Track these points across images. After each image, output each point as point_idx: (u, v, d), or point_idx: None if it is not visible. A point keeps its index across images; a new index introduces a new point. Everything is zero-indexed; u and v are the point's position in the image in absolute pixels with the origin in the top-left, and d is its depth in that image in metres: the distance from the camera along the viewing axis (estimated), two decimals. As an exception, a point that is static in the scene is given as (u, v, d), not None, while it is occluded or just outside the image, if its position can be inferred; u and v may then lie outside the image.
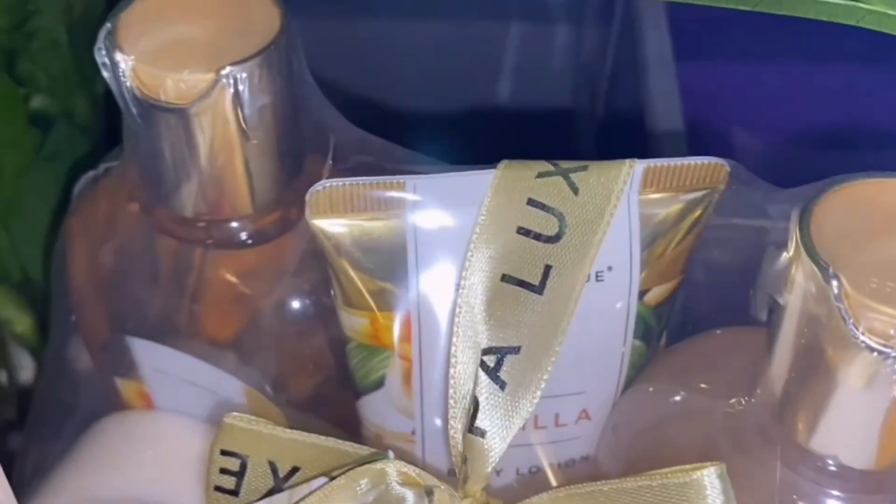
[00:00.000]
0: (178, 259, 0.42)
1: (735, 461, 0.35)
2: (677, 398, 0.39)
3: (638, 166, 0.37)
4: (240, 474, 0.37)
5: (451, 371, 0.36)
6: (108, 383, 0.47)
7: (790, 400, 0.34)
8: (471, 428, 0.35)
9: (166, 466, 0.44)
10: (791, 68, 0.62)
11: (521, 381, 0.35)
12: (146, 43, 0.38)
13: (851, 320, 0.31)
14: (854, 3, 0.33)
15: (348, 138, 0.42)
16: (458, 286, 0.36)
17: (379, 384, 0.40)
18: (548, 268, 0.36)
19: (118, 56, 0.38)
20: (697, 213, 0.38)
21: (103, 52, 0.38)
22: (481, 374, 0.35)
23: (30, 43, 0.51)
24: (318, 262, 0.39)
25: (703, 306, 0.41)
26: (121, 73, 0.38)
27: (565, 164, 0.37)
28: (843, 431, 0.34)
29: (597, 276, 0.38)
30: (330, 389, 0.44)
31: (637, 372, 0.40)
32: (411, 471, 0.34)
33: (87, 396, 0.49)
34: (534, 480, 0.41)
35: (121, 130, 0.42)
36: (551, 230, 0.36)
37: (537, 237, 0.36)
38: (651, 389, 0.40)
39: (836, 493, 0.35)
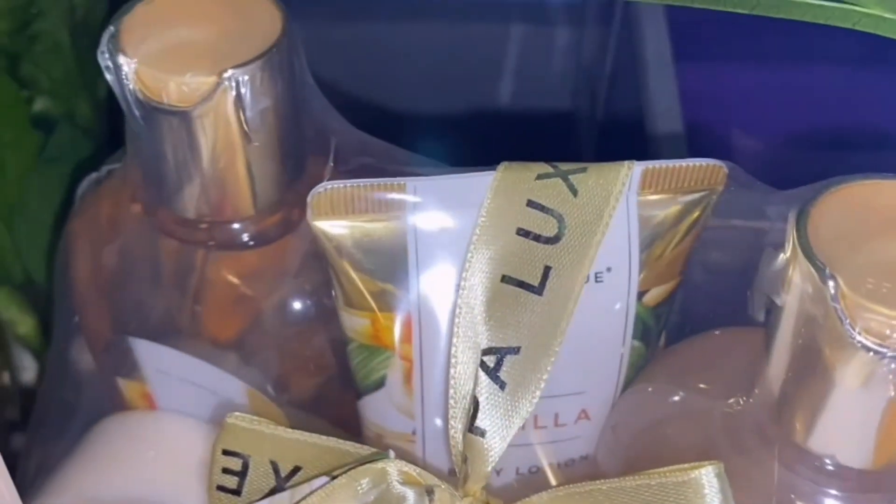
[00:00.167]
0: (180, 260, 0.43)
1: (733, 461, 0.35)
2: (676, 398, 0.39)
3: (636, 168, 0.37)
4: (242, 474, 0.37)
5: (452, 371, 0.36)
6: (111, 384, 0.47)
7: (788, 400, 0.34)
8: (471, 428, 0.35)
9: (168, 467, 0.44)
10: (789, 70, 0.62)
11: (520, 382, 0.35)
12: (149, 46, 0.39)
13: (848, 320, 0.31)
14: (850, 6, 0.34)
15: (349, 140, 0.42)
16: (458, 287, 0.36)
17: (380, 384, 0.40)
18: (547, 269, 0.36)
19: (121, 59, 0.38)
20: (696, 214, 0.39)
21: (106, 56, 0.39)
22: (481, 374, 0.35)
23: (33, 46, 0.52)
24: (319, 263, 0.40)
25: (702, 307, 0.42)
26: (123, 76, 0.38)
27: (564, 166, 0.37)
28: (841, 431, 0.34)
29: (596, 277, 0.38)
30: (331, 390, 0.44)
31: (636, 372, 0.41)
32: (412, 470, 0.35)
33: (90, 397, 0.49)
34: (534, 480, 0.42)
35: (123, 133, 0.42)
36: (551, 231, 0.36)
37: (537, 238, 0.36)
38: (650, 389, 0.40)
39: (833, 492, 0.35)
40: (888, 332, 0.31)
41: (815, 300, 0.32)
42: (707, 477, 0.32)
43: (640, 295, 0.39)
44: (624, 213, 0.37)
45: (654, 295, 0.39)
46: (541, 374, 0.35)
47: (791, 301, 0.33)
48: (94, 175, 0.45)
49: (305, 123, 0.42)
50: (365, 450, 0.36)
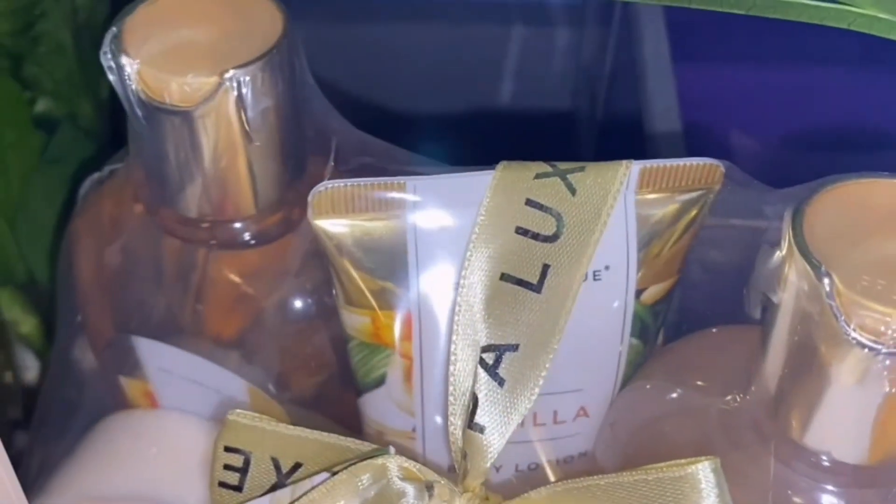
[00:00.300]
0: (182, 259, 0.43)
1: (730, 457, 0.35)
2: (674, 395, 0.39)
3: (634, 167, 0.37)
4: (243, 470, 0.37)
5: (451, 368, 0.36)
6: (113, 382, 0.48)
7: (784, 396, 0.35)
8: (470, 424, 0.35)
9: (170, 464, 0.45)
10: (787, 71, 0.63)
11: (519, 379, 0.36)
12: (151, 47, 0.39)
13: (843, 317, 0.31)
14: (845, 6, 0.34)
15: (350, 140, 0.43)
16: (457, 285, 0.37)
17: (380, 382, 0.40)
18: (546, 267, 0.36)
19: (123, 60, 0.39)
20: (693, 213, 0.39)
21: (109, 56, 0.39)
22: (480, 371, 0.36)
23: (36, 47, 0.52)
24: (319, 262, 0.40)
25: (701, 306, 0.42)
26: (126, 77, 0.39)
27: (563, 166, 0.37)
28: (836, 427, 0.34)
29: (594, 276, 0.38)
30: (332, 388, 0.44)
31: (634, 370, 0.41)
32: (412, 466, 0.35)
33: (92, 396, 0.49)
34: (533, 477, 0.42)
35: (125, 133, 0.43)
36: (549, 230, 0.36)
37: (535, 237, 0.36)
38: (648, 387, 0.40)
39: (829, 487, 0.35)
40: (883, 328, 0.31)
41: (810, 297, 0.32)
42: (703, 472, 0.32)
43: (639, 293, 0.39)
44: (622, 211, 0.38)
45: (652, 293, 0.40)
46: (539, 371, 0.36)
47: (787, 298, 0.33)
48: (96, 175, 0.46)
49: (306, 123, 0.42)
50: (365, 446, 0.36)
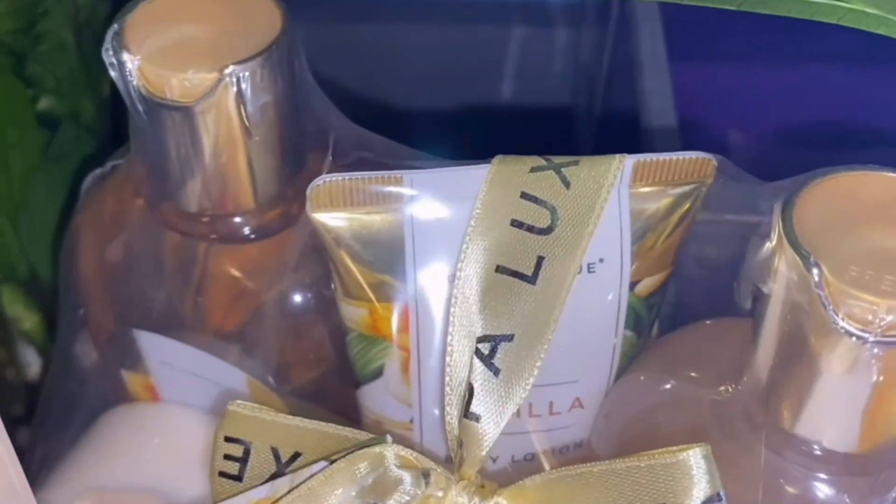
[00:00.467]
0: (182, 253, 0.43)
1: (722, 446, 0.36)
2: (667, 386, 0.40)
3: (628, 161, 0.38)
4: (243, 460, 0.38)
5: (448, 359, 0.37)
6: (115, 376, 0.48)
7: (775, 386, 0.35)
8: (466, 413, 0.36)
9: (171, 456, 0.45)
10: (781, 69, 0.63)
11: (514, 368, 0.36)
12: (152, 44, 0.40)
13: (831, 307, 0.32)
14: (834, 1, 0.35)
15: (348, 135, 0.43)
16: (454, 277, 0.37)
17: (378, 374, 0.41)
18: (540, 259, 0.37)
19: (125, 56, 0.39)
20: (686, 206, 0.39)
21: (110, 53, 0.39)
22: (476, 361, 0.36)
23: (38, 45, 0.52)
24: (318, 255, 0.40)
25: (696, 300, 0.42)
26: (127, 73, 0.39)
27: (557, 159, 0.38)
28: (827, 416, 0.35)
29: (588, 268, 0.39)
30: (330, 380, 0.45)
31: (629, 362, 0.41)
32: (409, 454, 0.35)
33: (94, 391, 0.50)
34: (529, 467, 0.42)
35: (126, 132, 0.43)
36: (544, 223, 0.37)
37: (530, 229, 0.37)
38: (642, 378, 0.41)
39: (820, 476, 0.36)
40: (870, 317, 0.32)
41: (800, 288, 0.33)
42: (695, 458, 0.33)
43: (633, 285, 0.40)
44: (616, 205, 0.38)
45: (646, 285, 0.40)
46: (534, 361, 0.36)
47: (777, 289, 0.34)
48: (98, 171, 0.46)
49: (305, 119, 0.42)
50: (363, 435, 0.37)
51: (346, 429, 0.37)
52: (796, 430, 0.35)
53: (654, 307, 0.41)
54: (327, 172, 0.39)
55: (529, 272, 0.37)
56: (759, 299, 0.35)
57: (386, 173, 0.38)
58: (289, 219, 0.43)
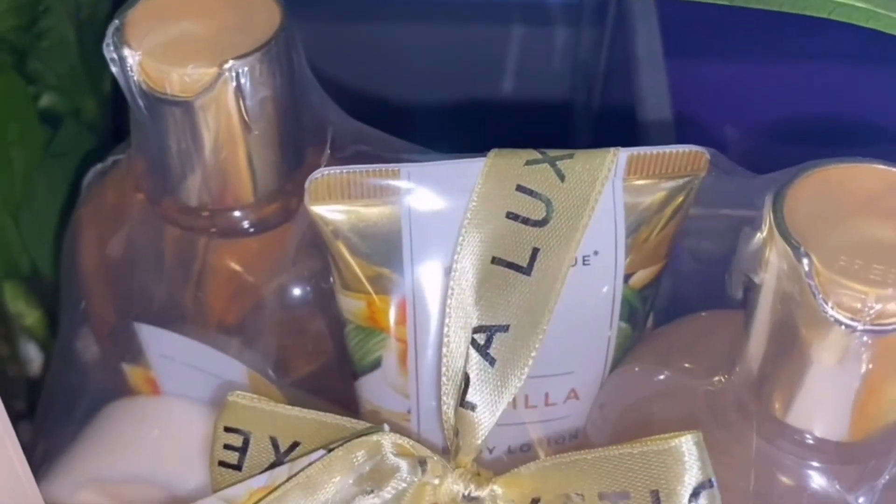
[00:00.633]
0: (183, 247, 0.44)
1: (716, 435, 0.36)
2: (661, 377, 0.40)
3: (622, 154, 0.38)
4: (242, 450, 0.38)
5: (444, 350, 0.37)
6: (116, 370, 0.49)
7: (766, 376, 0.36)
8: (462, 402, 0.37)
9: (172, 448, 0.46)
10: (777, 66, 0.64)
11: (510, 358, 0.37)
12: (152, 39, 0.40)
13: (821, 296, 0.32)
14: (825, -4, 0.35)
15: (346, 129, 0.44)
16: (450, 269, 0.38)
17: (376, 365, 0.41)
18: (535, 250, 0.37)
19: (126, 51, 0.40)
20: (680, 199, 0.40)
21: (111, 48, 0.40)
22: (472, 351, 0.37)
23: (39, 42, 0.53)
24: (317, 249, 0.41)
25: (692, 294, 0.43)
26: (128, 68, 0.40)
27: (552, 153, 0.38)
28: (818, 405, 0.35)
29: (583, 260, 0.39)
30: (329, 373, 0.45)
31: (624, 353, 0.42)
32: (405, 442, 0.36)
33: (95, 385, 0.50)
34: (525, 458, 0.43)
35: (127, 129, 0.44)
36: (539, 215, 0.37)
37: (525, 221, 0.37)
38: (637, 369, 0.41)
39: (813, 464, 0.36)
40: (860, 306, 0.32)
41: (790, 278, 0.33)
42: (686, 445, 0.33)
43: (627, 277, 0.40)
44: (610, 197, 0.39)
45: (641, 277, 0.41)
46: (529, 351, 0.37)
47: (768, 279, 0.34)
48: (99, 165, 0.47)
49: (304, 114, 0.43)
50: (361, 425, 0.37)
51: (345, 418, 0.37)
52: (788, 419, 0.36)
53: (649, 299, 0.42)
54: (325, 165, 0.39)
55: (525, 263, 0.37)
56: (751, 290, 0.35)
57: (383, 166, 0.38)
58: (288, 213, 0.43)
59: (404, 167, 0.38)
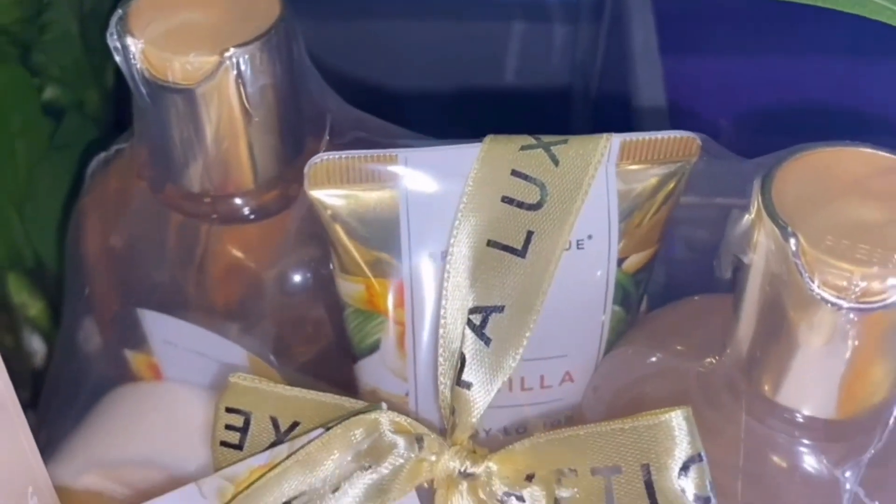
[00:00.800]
0: (185, 233, 0.45)
1: (707, 415, 0.37)
2: (654, 359, 0.41)
3: (615, 140, 0.39)
4: (243, 430, 0.39)
5: (441, 331, 0.38)
6: (119, 357, 0.49)
7: (756, 355, 0.36)
8: (458, 381, 0.37)
9: (175, 431, 0.46)
10: (771, 60, 0.64)
11: (504, 338, 0.37)
12: (155, 28, 0.41)
13: (808, 274, 0.33)
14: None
15: (345, 116, 0.45)
16: (447, 252, 0.39)
17: (374, 348, 0.42)
18: (530, 233, 0.38)
19: (128, 40, 0.41)
20: (671, 185, 0.41)
21: (115, 37, 0.41)
22: (468, 331, 0.37)
23: (43, 35, 0.53)
24: (317, 235, 0.42)
25: (687, 281, 0.44)
26: (131, 56, 0.41)
27: (547, 138, 0.39)
28: (806, 383, 0.36)
29: (577, 245, 0.40)
30: (329, 358, 0.46)
31: (618, 337, 0.43)
32: (403, 420, 0.37)
33: (98, 372, 0.51)
34: (521, 440, 0.43)
35: (129, 122, 0.45)
36: (533, 199, 0.38)
37: (520, 205, 0.38)
38: (630, 352, 0.42)
39: (801, 441, 0.37)
40: (846, 284, 0.33)
41: (778, 258, 0.34)
42: (676, 420, 0.34)
43: (620, 262, 0.41)
44: (603, 182, 0.40)
45: (634, 262, 0.41)
46: (524, 331, 0.37)
47: (757, 260, 0.35)
48: (103, 154, 0.47)
49: (303, 102, 0.44)
50: (360, 405, 0.38)
51: (344, 398, 0.38)
52: (777, 397, 0.36)
53: (642, 283, 0.43)
54: (324, 151, 0.40)
55: (519, 246, 0.38)
56: (741, 269, 0.36)
57: (381, 151, 0.39)
58: (288, 199, 0.44)
59: (402, 153, 0.39)
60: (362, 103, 0.46)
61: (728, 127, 0.64)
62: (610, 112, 0.68)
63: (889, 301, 0.33)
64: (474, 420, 0.37)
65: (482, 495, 0.37)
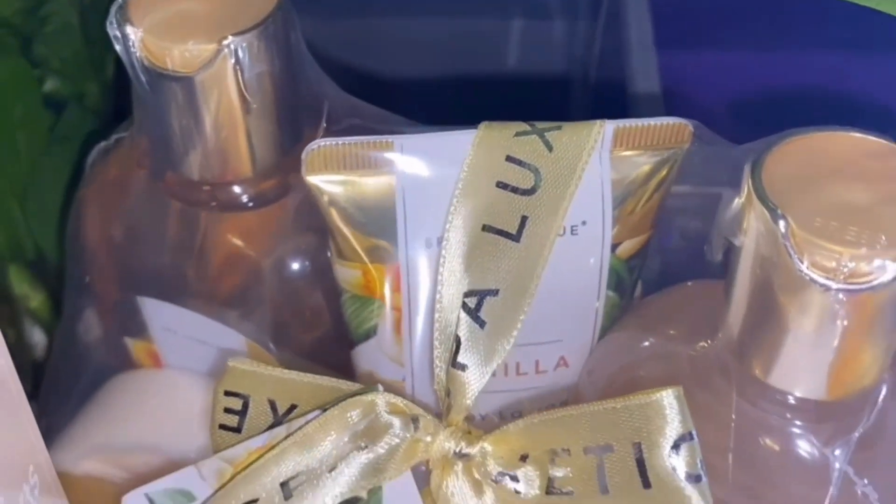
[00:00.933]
0: (184, 221, 0.45)
1: (700, 398, 0.38)
2: (647, 343, 0.41)
3: (608, 126, 0.40)
4: (242, 413, 0.39)
5: (437, 315, 0.39)
6: (119, 345, 0.50)
7: (746, 337, 0.37)
8: (453, 363, 0.38)
9: (174, 417, 0.47)
10: (766, 54, 0.65)
11: (499, 321, 0.38)
12: (154, 17, 0.41)
13: (797, 255, 0.33)
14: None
15: (341, 104, 0.45)
16: (443, 237, 0.39)
17: (371, 333, 0.42)
18: (524, 218, 0.39)
19: (128, 29, 0.41)
20: (664, 172, 0.41)
21: (115, 26, 0.41)
22: (463, 314, 0.38)
23: (44, 26, 0.53)
24: (315, 223, 0.42)
25: (681, 270, 0.44)
26: (130, 45, 0.41)
27: (541, 125, 0.39)
28: (796, 364, 0.36)
29: (572, 230, 0.40)
30: (327, 345, 0.46)
31: (612, 322, 0.43)
32: (399, 401, 0.37)
33: (99, 361, 0.51)
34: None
35: (129, 114, 0.45)
36: (527, 184, 0.39)
37: (514, 190, 0.39)
38: (624, 337, 0.42)
39: (792, 422, 0.37)
40: (834, 264, 0.33)
41: (768, 240, 0.34)
42: (667, 399, 0.34)
43: (614, 247, 0.42)
44: (597, 168, 0.40)
45: (627, 248, 0.42)
46: (518, 314, 0.38)
47: (748, 243, 0.35)
48: (103, 143, 0.48)
49: (301, 91, 0.44)
50: (357, 387, 0.38)
51: (341, 381, 0.39)
52: (768, 379, 0.37)
53: (636, 269, 0.43)
54: (321, 137, 0.40)
55: (514, 231, 0.38)
56: (732, 252, 0.36)
57: (378, 138, 0.39)
58: (286, 187, 0.45)
59: (398, 139, 0.39)
60: (364, 96, 0.47)
61: (722, 118, 0.64)
62: (605, 108, 0.68)
63: (877, 282, 0.33)
64: (469, 402, 0.38)
65: (477, 475, 0.37)
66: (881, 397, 0.36)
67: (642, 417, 0.35)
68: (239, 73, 0.41)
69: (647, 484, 0.35)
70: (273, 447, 0.37)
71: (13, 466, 0.35)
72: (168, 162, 0.44)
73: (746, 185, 0.35)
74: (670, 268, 0.45)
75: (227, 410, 0.40)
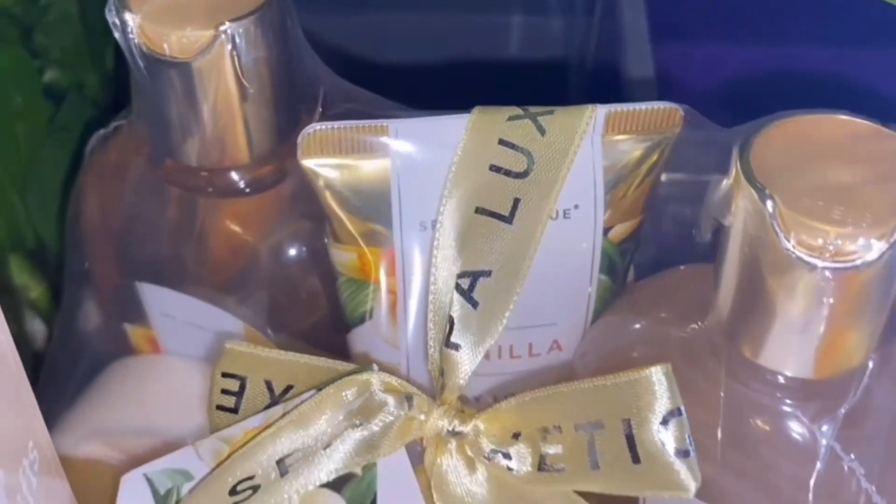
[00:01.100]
0: (182, 207, 0.46)
1: (691, 378, 0.38)
2: (639, 326, 0.42)
3: (600, 110, 0.40)
4: (239, 394, 0.40)
5: (431, 297, 0.39)
6: (118, 331, 0.50)
7: (736, 317, 0.37)
8: (447, 343, 0.38)
9: (172, 401, 0.47)
10: (761, 47, 0.65)
11: (492, 302, 0.38)
12: (152, 3, 0.42)
13: (784, 234, 0.34)
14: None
15: (337, 90, 0.46)
16: (437, 219, 0.40)
17: (367, 316, 0.43)
18: (517, 200, 0.39)
19: (126, 15, 0.42)
20: (655, 157, 0.42)
21: (113, 13, 0.42)
22: (456, 295, 0.38)
23: (44, 16, 0.54)
24: (312, 207, 0.43)
25: (675, 257, 0.45)
26: (129, 31, 0.42)
27: (534, 109, 0.40)
28: (784, 344, 0.37)
29: (564, 214, 0.41)
30: (323, 329, 0.47)
31: (605, 305, 0.44)
32: (393, 380, 0.38)
33: (98, 347, 0.52)
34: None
35: (129, 104, 0.46)
36: (520, 167, 0.39)
37: (507, 173, 0.39)
38: (616, 319, 0.43)
39: (781, 401, 0.38)
40: (821, 242, 0.34)
41: (756, 220, 0.35)
42: (657, 375, 0.35)
43: (606, 231, 0.42)
44: (589, 152, 0.41)
45: (619, 231, 0.42)
46: (511, 295, 0.38)
47: (736, 223, 0.36)
48: (102, 131, 0.48)
49: (297, 78, 0.45)
50: (352, 367, 0.39)
51: (337, 362, 0.39)
52: (757, 359, 0.37)
53: (628, 253, 0.44)
54: (317, 122, 0.41)
55: (506, 213, 0.39)
56: (721, 232, 0.37)
57: (373, 122, 0.40)
58: (283, 173, 0.45)
59: (392, 123, 0.40)
60: (362, 86, 0.47)
61: (717, 109, 0.65)
62: (603, 93, 0.68)
63: (861, 260, 0.34)
64: (462, 381, 0.38)
65: (470, 453, 0.38)
66: (867, 375, 0.37)
67: (632, 394, 0.35)
68: (236, 59, 0.42)
69: (636, 459, 0.35)
70: (269, 426, 0.38)
71: (12, 441, 0.35)
72: (166, 147, 0.44)
73: (735, 166, 0.36)
74: (663, 254, 0.46)
75: (225, 392, 0.40)
